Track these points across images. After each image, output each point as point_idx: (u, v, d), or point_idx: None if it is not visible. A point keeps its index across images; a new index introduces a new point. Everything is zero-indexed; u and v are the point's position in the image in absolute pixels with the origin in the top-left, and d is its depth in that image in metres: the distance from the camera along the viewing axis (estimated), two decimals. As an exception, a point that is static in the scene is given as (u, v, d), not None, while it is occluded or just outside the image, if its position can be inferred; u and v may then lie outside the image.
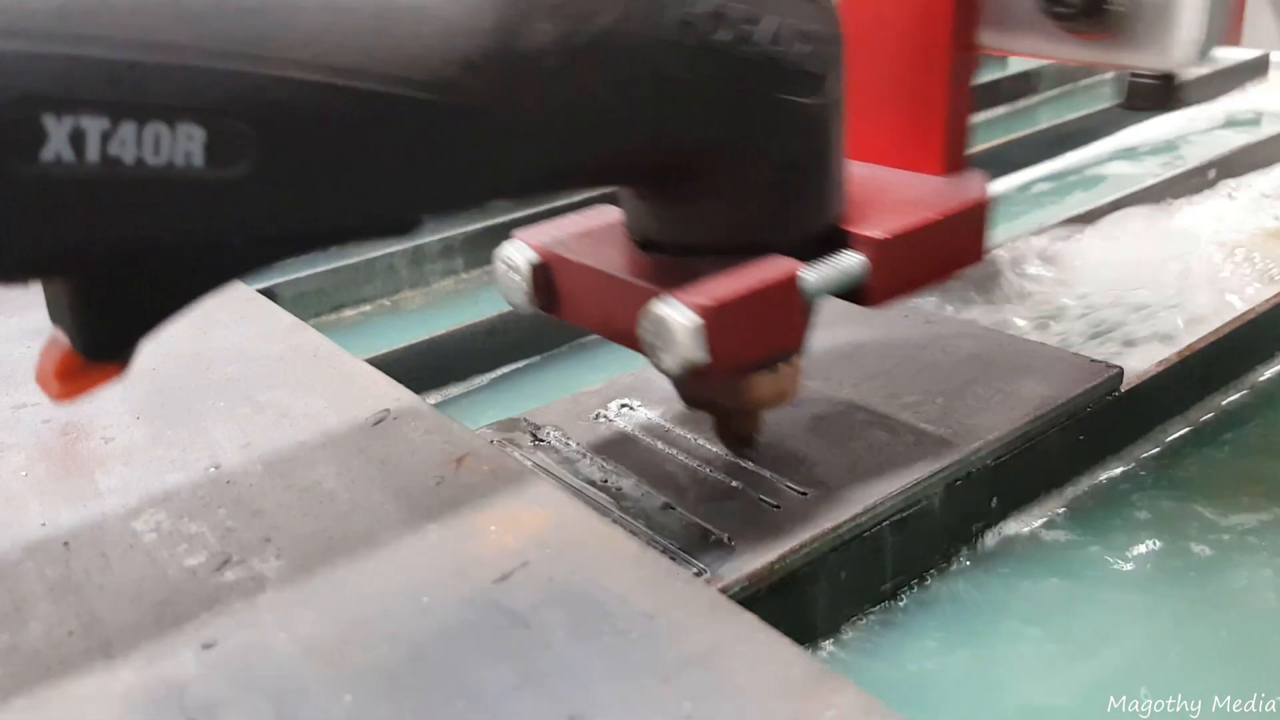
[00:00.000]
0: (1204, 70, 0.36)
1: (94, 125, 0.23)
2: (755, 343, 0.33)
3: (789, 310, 0.34)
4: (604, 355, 0.63)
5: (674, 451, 0.43)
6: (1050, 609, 0.41)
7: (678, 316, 0.32)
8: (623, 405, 0.47)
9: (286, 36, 0.25)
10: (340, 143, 0.27)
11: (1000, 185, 0.91)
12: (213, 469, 0.36)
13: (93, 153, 0.23)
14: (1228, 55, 0.39)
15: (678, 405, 0.47)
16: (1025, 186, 0.92)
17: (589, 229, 0.38)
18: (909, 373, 0.48)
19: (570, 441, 0.45)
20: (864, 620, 0.40)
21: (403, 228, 0.31)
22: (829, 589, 0.39)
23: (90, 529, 0.33)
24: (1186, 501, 0.46)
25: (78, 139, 0.23)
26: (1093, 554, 0.43)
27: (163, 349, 0.45)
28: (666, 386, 0.47)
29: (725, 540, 0.38)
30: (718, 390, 0.38)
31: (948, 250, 0.38)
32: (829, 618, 0.40)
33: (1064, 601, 0.41)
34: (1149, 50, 0.35)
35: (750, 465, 0.42)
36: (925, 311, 0.54)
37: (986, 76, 1.21)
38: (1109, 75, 1.25)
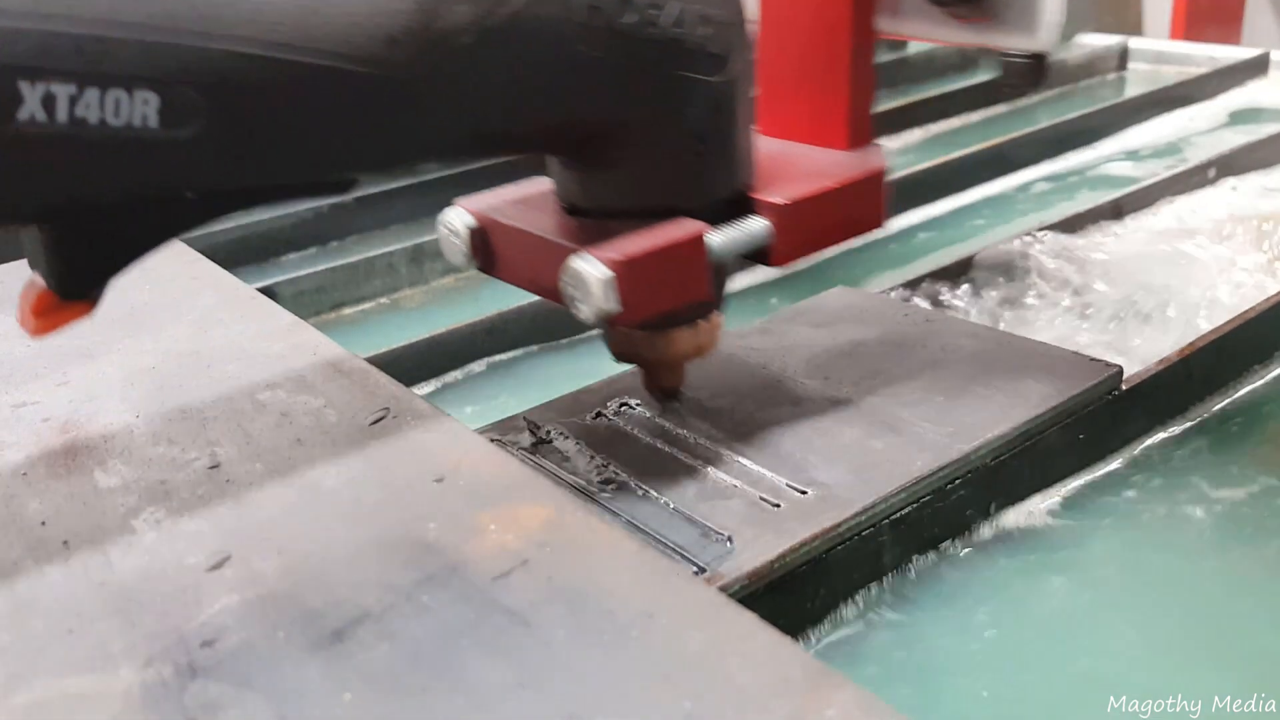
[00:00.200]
0: (1067, 51, 0.41)
1: (63, 90, 0.27)
2: (664, 294, 0.37)
3: (695, 266, 0.38)
4: (604, 355, 0.63)
5: (673, 450, 0.43)
6: (1051, 608, 0.41)
7: (592, 270, 0.35)
8: (622, 404, 0.47)
9: (230, 15, 0.29)
10: (279, 108, 0.31)
11: (1000, 185, 0.92)
12: (212, 467, 0.36)
13: (62, 114, 0.27)
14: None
15: (677, 404, 0.47)
16: (1025, 186, 0.92)
17: (522, 196, 0.42)
18: (909, 371, 0.48)
19: (570, 440, 0.45)
20: (864, 618, 0.40)
21: (340, 187, 0.35)
22: (829, 588, 0.39)
23: (90, 527, 0.33)
24: (1187, 501, 0.46)
25: (49, 102, 0.27)
26: (1093, 554, 0.43)
27: (162, 347, 0.45)
28: (666, 385, 0.47)
29: (725, 539, 0.38)
30: (643, 344, 0.42)
31: (846, 216, 0.42)
32: (829, 616, 0.40)
33: (1064, 601, 0.41)
34: (1019, 32, 0.40)
35: (751, 464, 0.42)
36: (925, 311, 0.54)
37: (986, 76, 1.22)
38: (1109, 75, 1.26)
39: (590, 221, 0.39)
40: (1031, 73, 0.41)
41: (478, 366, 0.64)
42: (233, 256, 0.81)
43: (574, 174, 0.40)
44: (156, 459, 0.37)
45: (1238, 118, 1.04)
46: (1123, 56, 1.27)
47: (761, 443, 0.43)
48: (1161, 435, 0.51)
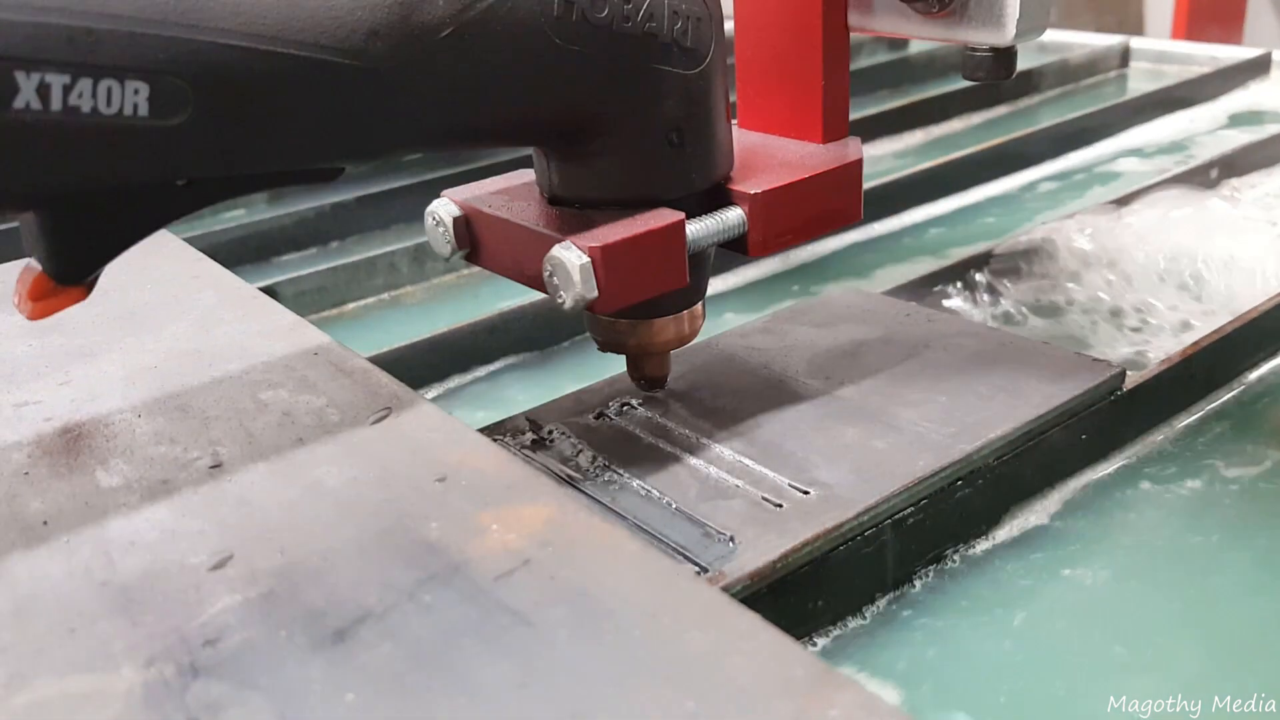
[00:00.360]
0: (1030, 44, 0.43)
1: (57, 80, 0.28)
2: (643, 282, 0.38)
3: (674, 254, 0.39)
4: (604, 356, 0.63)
5: (675, 450, 0.43)
6: (1050, 608, 0.41)
7: (572, 257, 0.36)
8: (624, 404, 0.47)
9: (215, 7, 0.30)
10: (264, 98, 0.32)
11: (1006, 184, 0.92)
12: (214, 466, 0.36)
13: (56, 103, 0.28)
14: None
15: (678, 404, 0.47)
16: (1031, 185, 0.92)
17: (506, 187, 0.43)
18: (911, 371, 0.48)
19: (572, 439, 0.45)
20: (864, 617, 0.40)
21: (325, 175, 0.36)
22: (831, 588, 0.39)
23: (92, 527, 0.33)
24: (1187, 501, 0.46)
25: (44, 91, 0.28)
26: (1093, 554, 0.43)
27: (164, 346, 0.45)
28: (667, 385, 0.47)
29: (727, 539, 0.38)
30: (626, 333, 0.43)
31: (823, 207, 0.43)
32: (830, 616, 0.40)
33: (1064, 600, 0.41)
34: (984, 27, 0.41)
35: (753, 464, 0.42)
36: (927, 311, 0.54)
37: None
38: (1110, 75, 1.26)
39: (572, 212, 0.40)
40: (994, 65, 0.42)
41: (481, 371, 0.64)
42: (234, 255, 0.81)
43: (555, 165, 0.40)
44: (158, 458, 0.37)
45: (1238, 119, 1.04)
46: (1124, 56, 1.27)
47: (763, 442, 0.43)
48: (1163, 435, 0.51)
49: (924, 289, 0.65)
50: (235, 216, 0.91)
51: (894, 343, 0.51)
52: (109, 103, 0.29)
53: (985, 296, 0.67)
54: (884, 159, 1.02)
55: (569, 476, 0.43)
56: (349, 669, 0.27)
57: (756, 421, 0.45)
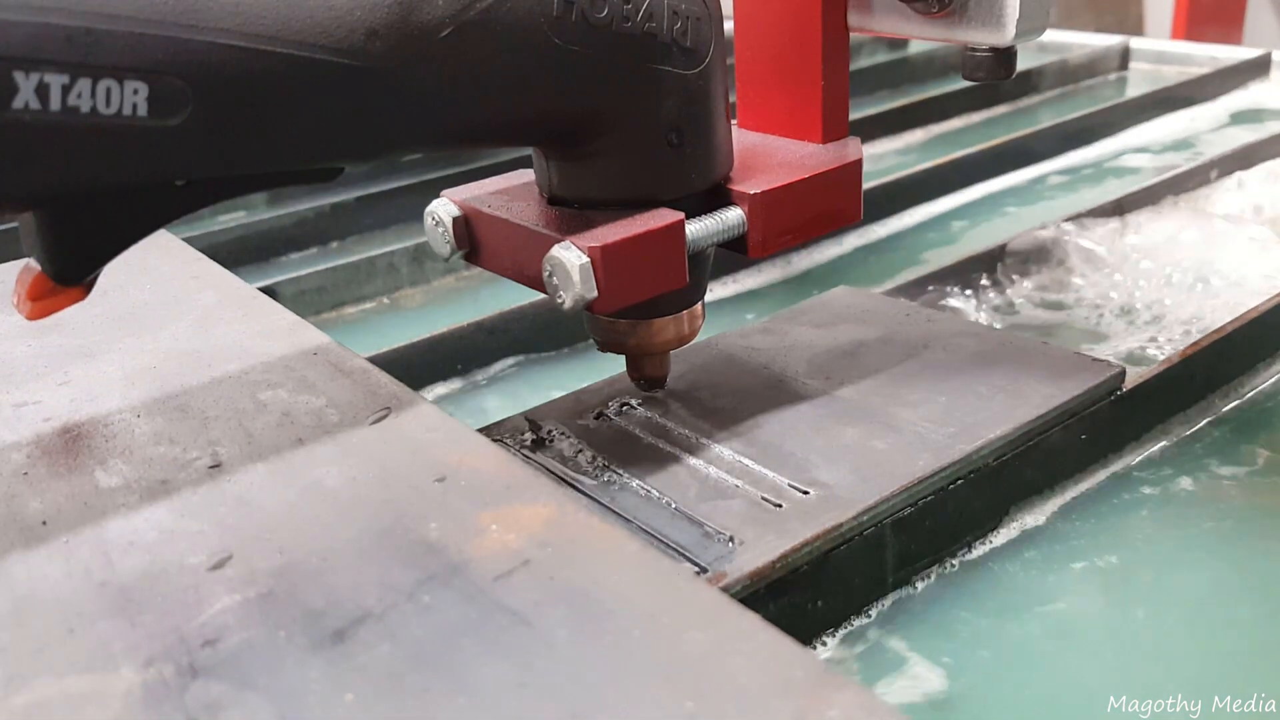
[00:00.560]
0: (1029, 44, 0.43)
1: (56, 80, 0.28)
2: (641, 282, 0.38)
3: (673, 254, 0.39)
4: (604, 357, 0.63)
5: (675, 450, 0.43)
6: (1050, 607, 0.41)
7: (571, 257, 0.36)
8: (624, 404, 0.47)
9: (215, 7, 0.30)
10: (263, 98, 0.31)
11: (1009, 180, 0.92)
12: (213, 467, 0.36)
13: (55, 103, 0.28)
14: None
15: (678, 404, 0.47)
16: (1039, 179, 0.92)
17: (505, 187, 0.43)
18: (911, 371, 0.48)
19: (571, 439, 0.45)
20: (864, 617, 0.40)
21: (325, 175, 0.35)
22: (830, 588, 0.39)
23: (90, 527, 0.33)
24: (1188, 501, 0.46)
25: (43, 91, 0.28)
26: (1093, 553, 0.43)
27: (163, 347, 0.45)
28: (667, 385, 0.47)
29: (727, 539, 0.38)
30: (626, 333, 0.43)
31: (823, 207, 0.43)
32: (831, 616, 0.40)
33: (1064, 600, 0.41)
34: (983, 27, 0.41)
35: (752, 464, 0.42)
36: (927, 311, 0.54)
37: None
38: (1110, 75, 1.26)
39: (571, 212, 0.40)
40: (994, 65, 0.42)
41: (480, 372, 0.64)
42: (234, 256, 0.81)
43: (554, 165, 0.40)
44: (157, 458, 0.37)
45: (1239, 119, 1.04)
46: (1124, 56, 1.27)
47: (763, 442, 0.43)
48: (1164, 435, 0.51)
49: (924, 289, 0.65)
50: (235, 216, 0.91)
51: (894, 343, 0.51)
52: (108, 103, 0.29)
53: (988, 295, 0.67)
54: (886, 156, 1.02)
55: (569, 477, 0.43)
56: (348, 669, 0.27)
57: (756, 421, 0.45)
